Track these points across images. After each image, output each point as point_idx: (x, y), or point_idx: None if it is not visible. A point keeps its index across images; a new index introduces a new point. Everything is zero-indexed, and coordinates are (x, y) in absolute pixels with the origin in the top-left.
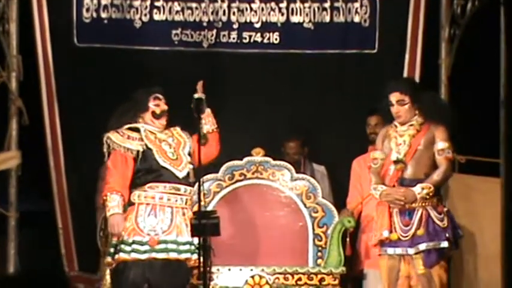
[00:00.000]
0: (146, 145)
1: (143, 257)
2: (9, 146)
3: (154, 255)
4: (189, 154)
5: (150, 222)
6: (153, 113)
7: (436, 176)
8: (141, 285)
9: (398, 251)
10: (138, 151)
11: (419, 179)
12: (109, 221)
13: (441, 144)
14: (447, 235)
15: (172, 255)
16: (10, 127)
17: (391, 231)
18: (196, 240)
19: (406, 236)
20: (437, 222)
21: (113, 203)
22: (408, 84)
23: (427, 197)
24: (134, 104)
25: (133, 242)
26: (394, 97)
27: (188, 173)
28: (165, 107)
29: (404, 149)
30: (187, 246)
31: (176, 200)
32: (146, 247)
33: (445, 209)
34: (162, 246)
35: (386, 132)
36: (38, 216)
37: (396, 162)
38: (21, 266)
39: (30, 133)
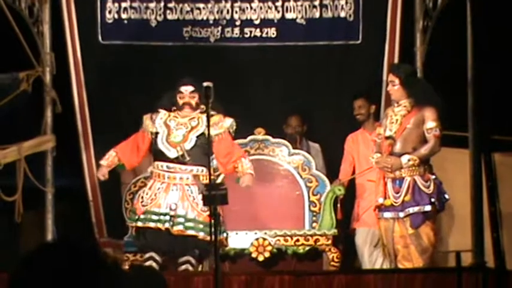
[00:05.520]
0: (161, 128)
1: (163, 226)
2: (45, 131)
3: (169, 225)
4: (197, 137)
5: (166, 198)
6: (179, 106)
7: (424, 150)
8: (159, 247)
9: (391, 214)
10: (152, 132)
11: (407, 153)
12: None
13: (430, 123)
14: (432, 200)
15: (180, 228)
16: (45, 115)
17: (385, 198)
18: (201, 217)
19: (397, 202)
20: (423, 189)
21: (107, 156)
22: (402, 69)
23: (413, 167)
24: (170, 102)
25: (153, 213)
26: (389, 77)
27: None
28: (188, 100)
29: (395, 127)
30: (193, 223)
31: (181, 178)
32: (167, 217)
33: (433, 177)
34: (177, 220)
35: (387, 112)
36: (71, 191)
37: (387, 138)
38: (57, 234)
39: (63, 120)
